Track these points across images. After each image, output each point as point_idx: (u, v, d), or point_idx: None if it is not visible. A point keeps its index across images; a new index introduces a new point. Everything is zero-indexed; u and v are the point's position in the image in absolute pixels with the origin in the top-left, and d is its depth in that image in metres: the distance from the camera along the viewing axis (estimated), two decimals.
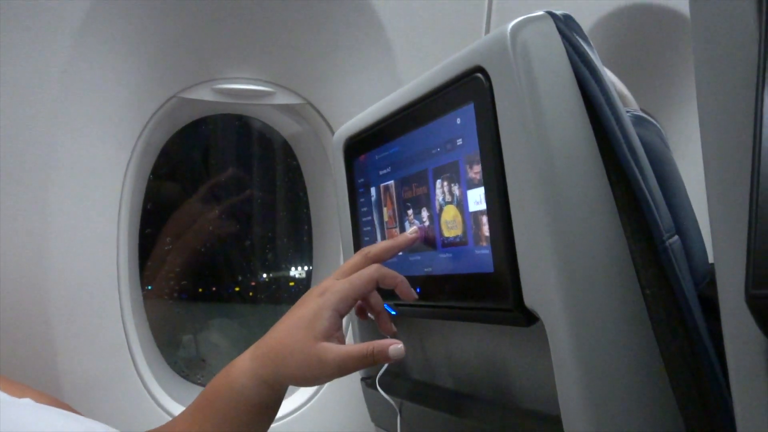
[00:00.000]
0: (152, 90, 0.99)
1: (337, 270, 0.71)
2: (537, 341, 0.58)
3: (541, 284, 0.56)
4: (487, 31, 1.09)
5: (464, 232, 0.65)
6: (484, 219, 0.61)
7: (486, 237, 0.62)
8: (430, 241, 0.72)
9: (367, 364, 0.63)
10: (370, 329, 0.90)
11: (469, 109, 0.63)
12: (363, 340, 0.94)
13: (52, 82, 0.89)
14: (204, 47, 1.01)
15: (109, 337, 0.99)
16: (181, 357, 1.52)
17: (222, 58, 1.02)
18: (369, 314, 0.75)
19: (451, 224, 0.67)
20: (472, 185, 0.63)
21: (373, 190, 0.84)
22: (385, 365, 0.88)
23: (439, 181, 0.69)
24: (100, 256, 0.97)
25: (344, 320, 0.68)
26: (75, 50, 0.89)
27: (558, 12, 0.58)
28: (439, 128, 0.68)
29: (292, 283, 1.70)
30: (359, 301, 0.70)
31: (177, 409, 1.05)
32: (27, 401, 0.62)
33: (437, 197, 0.69)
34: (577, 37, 0.58)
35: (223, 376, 0.65)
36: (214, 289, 1.69)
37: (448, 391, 0.83)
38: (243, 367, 0.64)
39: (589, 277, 0.55)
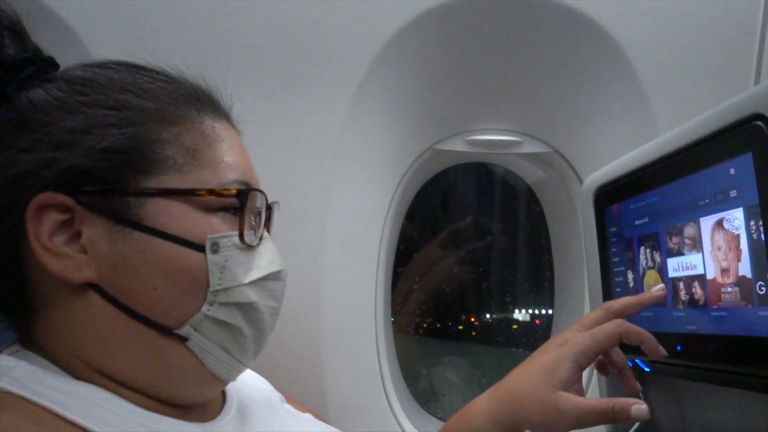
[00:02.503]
0: (412, 142, 1.10)
1: (577, 322, 0.70)
2: None
3: None
4: (757, 78, 0.99)
5: (746, 290, 0.60)
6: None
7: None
8: (698, 297, 0.67)
9: (606, 420, 0.61)
10: (616, 386, 0.87)
11: (746, 159, 0.58)
12: (609, 395, 0.90)
13: (332, 138, 1.03)
14: (458, 102, 1.09)
15: (365, 366, 1.09)
16: (419, 389, 1.61)
17: (473, 112, 1.10)
18: (610, 370, 0.72)
19: (726, 281, 0.63)
20: (752, 242, 0.58)
21: (628, 241, 0.82)
22: (635, 426, 0.83)
23: (709, 233, 0.65)
24: (362, 291, 1.09)
25: (586, 375, 0.67)
26: (351, 111, 1.03)
27: None
28: (708, 178, 0.65)
29: (528, 323, 1.69)
30: (600, 356, 0.68)
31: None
32: (308, 416, 0.72)
33: (706, 251, 0.65)
34: None
35: (461, 415, 0.68)
36: (450, 325, 1.77)
37: None
38: (481, 407, 0.66)
39: None
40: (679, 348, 0.71)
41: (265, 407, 0.63)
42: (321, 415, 0.82)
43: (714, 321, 0.64)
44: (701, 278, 0.66)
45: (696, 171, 0.67)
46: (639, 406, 0.61)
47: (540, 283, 1.40)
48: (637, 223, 0.80)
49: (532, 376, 0.64)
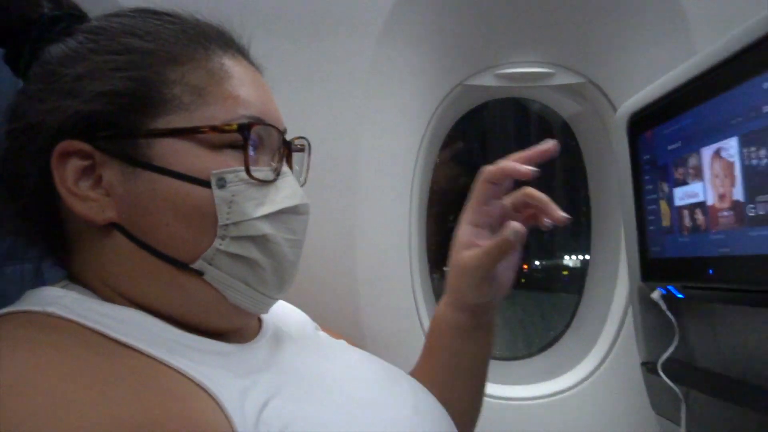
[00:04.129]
0: (440, 79, 1.09)
1: None
2: None
3: None
4: None
5: None
6: None
7: None
8: (736, 216, 0.66)
9: (502, 248, 0.63)
10: (651, 319, 0.87)
11: None
12: (644, 330, 0.91)
13: (359, 81, 1.03)
14: (487, 36, 1.07)
15: (401, 301, 1.13)
16: None
17: (503, 45, 1.08)
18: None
19: (762, 198, 0.61)
20: (744, 167, 0.57)
21: (662, 168, 0.80)
22: (669, 350, 0.84)
23: (746, 150, 0.63)
24: (396, 232, 1.11)
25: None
26: (377, 52, 1.02)
27: None
28: (741, 95, 0.63)
29: (565, 272, 1.69)
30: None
31: None
32: (342, 342, 0.75)
33: (745, 167, 0.63)
34: None
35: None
36: None
37: (742, 383, 0.75)
38: (442, 300, 0.75)
39: None
40: (711, 271, 0.70)
41: (298, 333, 0.66)
42: (356, 343, 0.86)
43: (750, 240, 0.63)
44: (737, 202, 0.65)
45: (729, 89, 0.64)
46: (514, 225, 0.62)
47: (578, 223, 1.39)
48: (670, 148, 0.78)
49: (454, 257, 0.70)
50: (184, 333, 0.50)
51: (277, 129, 0.55)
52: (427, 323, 1.16)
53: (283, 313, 0.71)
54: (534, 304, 1.81)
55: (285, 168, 0.56)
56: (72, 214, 0.49)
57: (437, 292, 1.31)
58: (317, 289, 1.01)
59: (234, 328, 0.56)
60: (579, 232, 1.45)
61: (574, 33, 1.05)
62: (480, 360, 0.76)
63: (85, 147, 0.49)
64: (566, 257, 1.70)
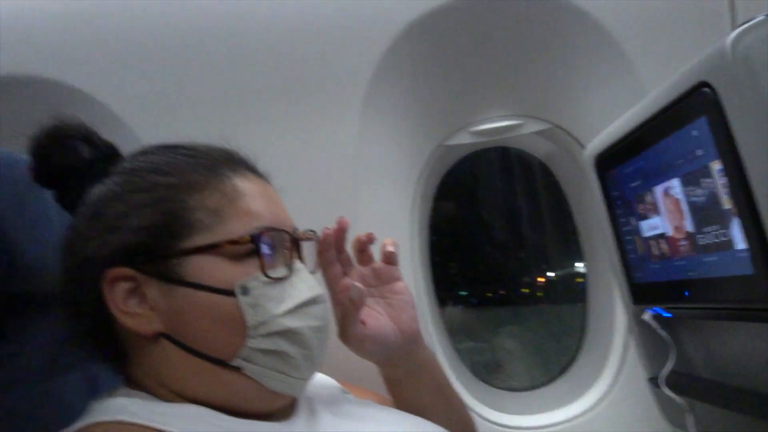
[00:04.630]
0: (422, 142, 1.19)
1: None
2: None
3: None
4: (733, 25, 1.03)
5: (723, 235, 0.67)
6: (736, 222, 0.63)
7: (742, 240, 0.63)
8: (690, 245, 0.74)
9: (351, 309, 0.69)
10: (653, 335, 0.94)
11: (702, 122, 0.65)
12: (644, 348, 0.98)
13: (349, 146, 1.12)
14: (458, 98, 1.17)
15: None
16: (476, 361, 1.70)
17: (475, 103, 1.18)
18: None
19: (708, 229, 0.70)
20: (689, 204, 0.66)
21: (628, 203, 0.89)
22: (668, 366, 0.90)
23: (687, 189, 0.72)
24: None
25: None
26: (361, 120, 1.11)
27: None
28: (678, 141, 0.72)
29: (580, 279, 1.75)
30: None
31: (476, 405, 1.22)
32: (369, 401, 0.82)
33: (689, 203, 0.72)
34: None
35: None
36: (501, 293, 1.87)
37: (736, 389, 0.82)
38: None
39: None
40: (687, 293, 0.78)
41: (329, 400, 0.73)
42: (381, 395, 0.88)
43: (704, 266, 0.72)
44: (691, 234, 0.74)
45: (668, 136, 0.74)
46: (354, 287, 0.68)
47: (571, 245, 1.47)
48: (632, 185, 0.87)
49: None
50: (234, 419, 0.57)
51: (288, 232, 0.62)
52: (444, 363, 1.22)
53: (313, 383, 0.79)
54: (556, 317, 1.87)
55: (298, 264, 0.63)
56: (125, 328, 0.58)
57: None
58: (336, 347, 1.08)
59: (275, 409, 0.62)
60: (570, 253, 1.53)
61: (537, 86, 1.15)
62: (433, 395, 0.79)
63: (129, 272, 0.57)
64: (561, 272, 1.78)
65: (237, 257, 0.58)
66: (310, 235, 0.69)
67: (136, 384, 0.60)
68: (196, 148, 0.65)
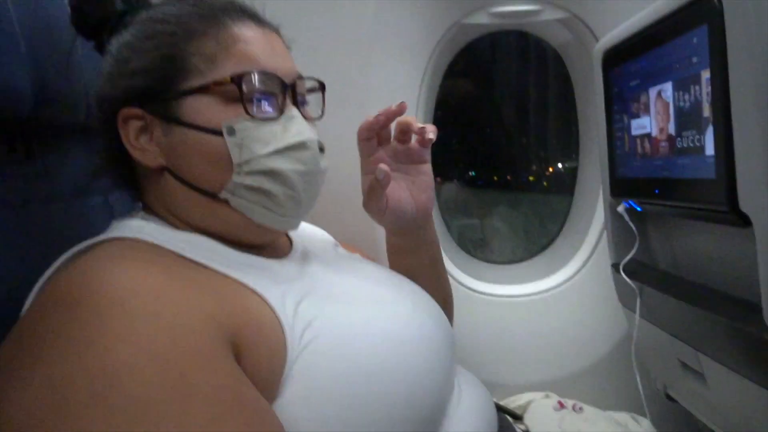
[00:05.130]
0: (439, 19, 1.19)
1: None
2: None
3: (754, 191, 0.63)
4: None
5: (698, 141, 0.73)
6: (710, 129, 0.69)
7: (711, 147, 0.69)
8: (670, 147, 0.80)
9: (375, 186, 0.75)
10: (623, 226, 1.02)
11: (703, 30, 0.69)
12: (615, 234, 1.06)
13: (366, 25, 1.14)
14: None
15: None
16: (465, 236, 1.82)
17: None
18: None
19: (687, 133, 0.75)
20: (676, 108, 0.71)
21: (624, 100, 0.93)
22: (630, 254, 1.00)
23: (677, 93, 0.76)
24: None
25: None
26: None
27: None
28: (679, 45, 0.75)
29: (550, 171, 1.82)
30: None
31: (457, 273, 1.34)
32: (357, 255, 0.92)
33: (676, 107, 0.77)
34: None
35: None
36: (498, 176, 1.94)
37: (685, 282, 0.92)
38: None
39: None
40: (657, 191, 0.85)
41: (322, 250, 0.83)
42: (366, 253, 0.98)
43: (676, 167, 0.78)
44: (671, 136, 0.79)
45: (670, 39, 0.77)
46: (380, 167, 0.73)
47: (571, 139, 1.51)
48: (631, 84, 0.91)
49: None
50: (237, 251, 0.66)
51: (278, 76, 0.64)
52: None
53: (309, 234, 0.88)
54: (546, 204, 1.96)
55: (293, 111, 0.65)
56: (137, 162, 0.66)
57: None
58: (335, 209, 1.17)
59: (266, 241, 0.70)
60: (570, 145, 1.58)
61: None
62: (427, 267, 0.88)
63: (138, 111, 0.64)
64: (557, 164, 1.84)
65: (228, 100, 0.62)
66: (312, 85, 0.72)
67: (151, 212, 0.68)
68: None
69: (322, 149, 0.69)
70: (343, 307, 0.65)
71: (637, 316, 0.99)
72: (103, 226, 0.67)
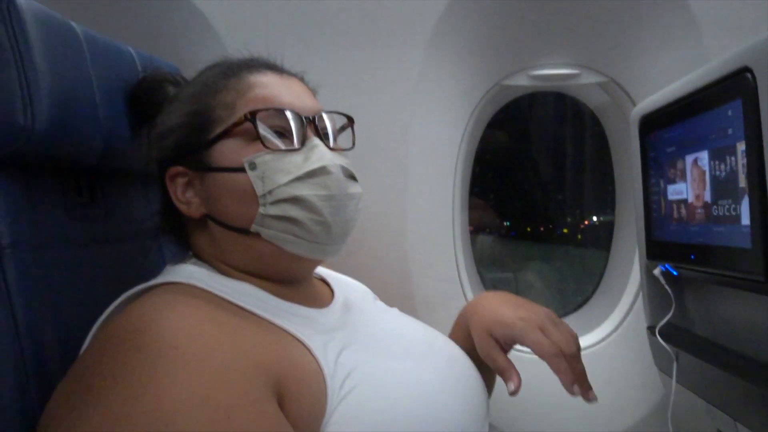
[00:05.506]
0: (481, 80, 1.24)
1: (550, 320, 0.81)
2: None
3: None
4: None
5: (734, 210, 0.74)
6: (746, 200, 0.70)
7: (747, 216, 0.70)
8: (706, 214, 0.81)
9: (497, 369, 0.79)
10: (660, 289, 1.02)
11: (738, 104, 0.71)
12: (651, 297, 1.06)
13: (410, 81, 1.20)
14: (521, 41, 1.21)
15: (445, 271, 1.31)
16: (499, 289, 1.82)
17: (535, 49, 1.21)
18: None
19: (723, 202, 0.77)
20: (712, 177, 0.72)
21: (661, 165, 0.95)
22: (667, 317, 1.00)
23: (713, 163, 0.78)
24: (441, 208, 1.28)
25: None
26: (426, 57, 1.18)
27: None
28: (715, 117, 0.77)
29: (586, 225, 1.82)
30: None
31: None
32: (395, 309, 0.93)
33: (712, 176, 0.79)
34: None
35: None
36: (534, 229, 1.95)
37: (722, 348, 0.91)
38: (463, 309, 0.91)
39: None
40: (693, 257, 0.86)
41: (362, 301, 0.85)
42: (406, 309, 1.01)
43: (712, 234, 0.79)
44: (707, 203, 0.81)
45: (706, 111, 0.79)
46: (510, 384, 0.76)
47: (607, 195, 1.53)
48: (668, 150, 0.92)
49: (500, 306, 0.82)
50: (282, 300, 0.69)
51: (295, 111, 0.67)
52: (468, 288, 1.34)
53: (350, 287, 0.90)
54: (580, 260, 1.96)
55: (315, 141, 0.67)
56: (184, 215, 0.71)
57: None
58: (375, 262, 1.20)
59: (302, 275, 0.73)
60: (605, 205, 1.59)
61: (597, 37, 1.18)
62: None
63: (180, 168, 0.69)
64: (593, 221, 1.84)
65: (249, 139, 0.66)
66: (340, 121, 0.75)
67: (200, 258, 0.72)
68: (227, 61, 0.74)
69: (352, 176, 0.71)
70: (381, 359, 0.67)
71: (673, 381, 0.98)
72: (155, 268, 0.72)
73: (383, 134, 1.20)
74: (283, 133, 0.67)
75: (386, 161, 1.23)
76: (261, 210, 0.65)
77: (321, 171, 0.66)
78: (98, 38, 0.76)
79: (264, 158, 0.65)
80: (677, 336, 1.00)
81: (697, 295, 1.00)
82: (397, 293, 1.22)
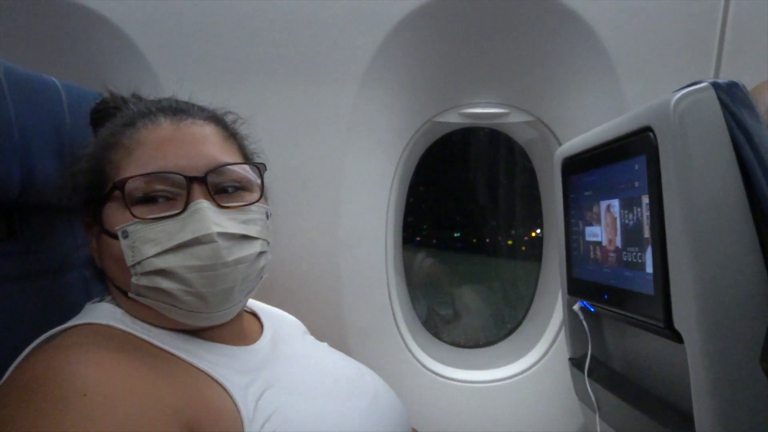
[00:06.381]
0: (413, 117, 1.27)
1: None
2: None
3: (686, 312, 0.69)
4: (718, 59, 1.11)
5: (639, 257, 0.79)
6: (649, 249, 0.75)
7: (650, 265, 0.75)
8: (617, 258, 0.86)
9: None
10: (580, 323, 1.07)
11: (642, 160, 0.76)
12: (572, 330, 1.11)
13: (343, 118, 1.20)
14: (452, 81, 1.25)
15: (378, 299, 1.32)
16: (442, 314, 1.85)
17: (466, 88, 1.25)
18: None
19: (631, 249, 0.82)
20: (622, 224, 0.77)
21: (579, 207, 1.00)
22: (587, 351, 1.04)
23: (623, 211, 0.83)
24: (374, 240, 1.29)
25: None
26: (358, 95, 1.20)
27: (723, 81, 0.68)
28: (624, 168, 0.82)
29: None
30: None
31: (423, 356, 1.36)
32: (325, 345, 0.94)
33: (622, 223, 0.84)
34: (738, 104, 0.66)
35: None
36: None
37: (632, 383, 0.96)
38: None
39: (728, 313, 0.66)
40: (606, 297, 0.91)
41: (291, 336, 0.85)
42: (339, 337, 1.01)
43: (621, 278, 0.84)
44: (618, 249, 0.86)
45: (617, 161, 0.84)
46: None
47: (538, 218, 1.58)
48: (585, 194, 0.98)
49: None
50: (203, 341, 0.68)
51: (178, 174, 0.64)
52: (400, 319, 1.36)
53: (281, 320, 0.90)
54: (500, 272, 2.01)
55: (199, 205, 0.63)
56: None
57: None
58: (307, 293, 1.21)
59: (207, 327, 0.70)
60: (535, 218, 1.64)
61: (524, 78, 1.23)
62: None
63: (89, 219, 0.70)
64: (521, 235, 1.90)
65: (131, 203, 0.64)
66: (235, 169, 0.69)
67: (115, 298, 0.71)
68: (132, 107, 0.73)
69: (246, 236, 0.66)
70: (304, 400, 0.68)
71: (595, 412, 1.02)
72: (78, 303, 0.71)
73: (316, 170, 1.21)
74: (167, 195, 0.65)
75: (318, 197, 1.23)
76: (133, 279, 0.64)
77: (194, 242, 0.63)
78: (19, 71, 0.74)
79: (135, 227, 0.63)
80: (595, 369, 1.05)
81: (613, 331, 1.05)
82: (329, 324, 1.23)
